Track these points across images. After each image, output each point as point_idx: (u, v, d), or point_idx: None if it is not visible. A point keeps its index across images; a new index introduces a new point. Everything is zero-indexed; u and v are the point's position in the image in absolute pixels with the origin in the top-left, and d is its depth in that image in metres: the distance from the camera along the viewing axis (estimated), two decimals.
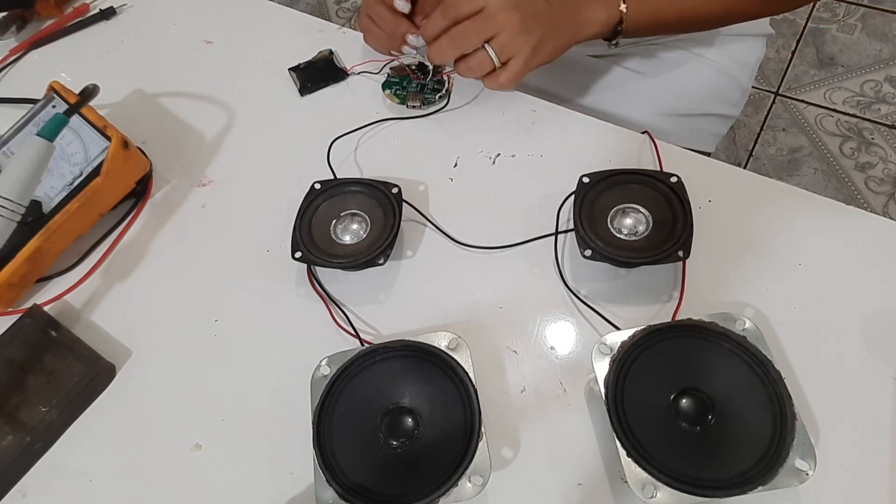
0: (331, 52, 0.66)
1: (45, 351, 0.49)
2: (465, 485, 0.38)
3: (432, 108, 0.60)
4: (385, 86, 0.62)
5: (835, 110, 1.53)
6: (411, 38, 0.57)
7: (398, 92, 0.61)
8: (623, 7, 0.56)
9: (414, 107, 0.60)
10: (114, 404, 0.49)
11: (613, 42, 0.59)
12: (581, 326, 0.48)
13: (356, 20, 1.92)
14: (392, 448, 0.41)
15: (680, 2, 0.58)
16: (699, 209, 0.50)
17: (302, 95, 0.64)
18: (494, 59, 0.54)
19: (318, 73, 0.65)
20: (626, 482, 0.37)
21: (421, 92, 0.61)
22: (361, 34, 0.64)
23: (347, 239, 0.51)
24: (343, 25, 0.69)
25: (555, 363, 0.47)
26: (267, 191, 0.58)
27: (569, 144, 0.57)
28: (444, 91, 0.60)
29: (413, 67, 0.62)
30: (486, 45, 0.53)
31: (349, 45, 0.67)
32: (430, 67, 0.61)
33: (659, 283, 0.49)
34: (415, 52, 0.59)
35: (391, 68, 0.63)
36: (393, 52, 0.61)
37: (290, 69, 0.66)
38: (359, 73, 0.64)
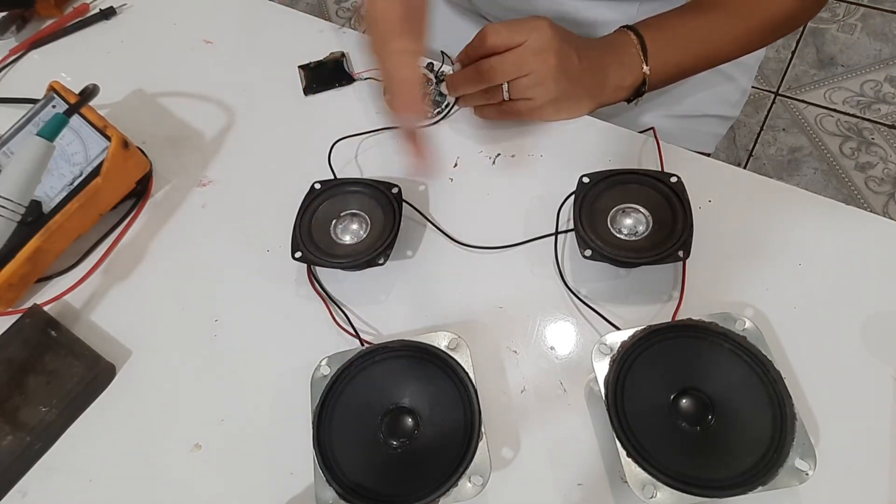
0: (343, 55, 0.66)
1: (45, 351, 0.49)
2: (465, 485, 0.38)
3: (426, 123, 0.59)
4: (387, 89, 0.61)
5: (835, 110, 1.53)
6: (448, 69, 0.55)
7: None
8: (646, 69, 0.54)
9: None
10: (114, 404, 0.49)
11: (634, 102, 0.57)
12: (581, 326, 0.48)
13: (356, 20, 1.92)
14: (392, 448, 0.41)
15: (697, 49, 0.56)
16: (699, 209, 0.50)
17: (306, 95, 0.64)
18: (506, 95, 0.52)
19: (325, 74, 0.64)
20: (626, 482, 0.37)
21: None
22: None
23: (347, 239, 0.51)
24: (343, 25, 0.69)
25: (555, 363, 0.47)
26: (267, 191, 0.58)
27: (569, 144, 0.57)
28: (443, 106, 0.59)
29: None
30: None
31: (361, 49, 0.66)
32: (436, 79, 0.60)
33: (659, 283, 0.49)
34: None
35: None
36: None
37: (299, 66, 0.65)
38: (365, 79, 0.64)
